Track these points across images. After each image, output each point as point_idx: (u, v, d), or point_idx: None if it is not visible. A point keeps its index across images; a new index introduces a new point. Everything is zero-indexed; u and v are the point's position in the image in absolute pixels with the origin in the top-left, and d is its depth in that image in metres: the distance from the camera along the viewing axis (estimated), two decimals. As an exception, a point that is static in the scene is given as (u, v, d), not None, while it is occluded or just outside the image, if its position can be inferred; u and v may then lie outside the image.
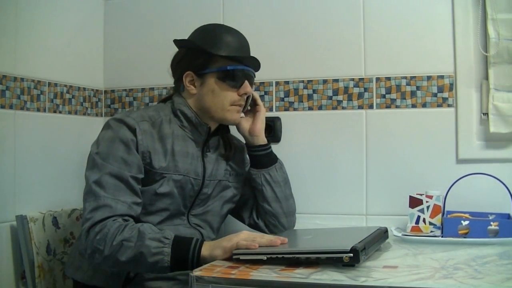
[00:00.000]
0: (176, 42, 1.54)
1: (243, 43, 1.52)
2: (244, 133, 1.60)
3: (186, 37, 1.51)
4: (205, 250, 1.28)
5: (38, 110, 1.72)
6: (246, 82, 1.49)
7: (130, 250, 1.27)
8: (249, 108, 1.61)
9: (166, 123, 1.46)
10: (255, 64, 1.52)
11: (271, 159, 1.61)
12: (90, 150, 1.40)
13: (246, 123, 1.60)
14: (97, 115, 2.04)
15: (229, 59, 1.45)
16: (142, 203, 1.38)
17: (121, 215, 1.31)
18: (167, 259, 1.26)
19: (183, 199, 1.46)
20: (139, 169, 1.38)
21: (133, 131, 1.38)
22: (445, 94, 1.73)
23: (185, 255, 1.27)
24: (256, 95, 1.62)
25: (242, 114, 1.59)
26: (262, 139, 1.60)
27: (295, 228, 1.73)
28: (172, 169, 1.43)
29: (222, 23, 1.93)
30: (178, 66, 1.52)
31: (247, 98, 1.54)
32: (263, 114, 1.62)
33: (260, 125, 1.60)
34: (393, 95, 1.78)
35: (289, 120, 1.88)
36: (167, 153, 1.43)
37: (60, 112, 1.82)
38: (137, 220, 1.36)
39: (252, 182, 1.60)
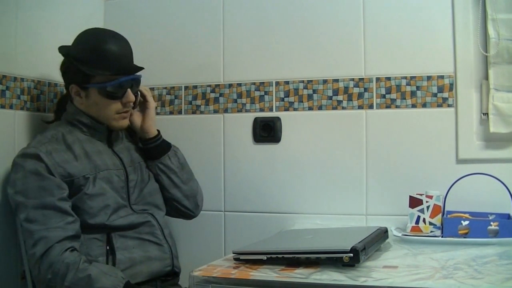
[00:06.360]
0: (60, 50, 1.55)
1: (123, 52, 1.50)
2: (136, 128, 1.64)
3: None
4: None
5: (38, 110, 1.72)
6: (129, 91, 1.52)
7: None
8: (141, 99, 1.63)
9: (67, 134, 1.50)
10: (137, 69, 1.52)
11: (162, 149, 1.65)
12: (8, 194, 1.41)
13: (137, 119, 1.64)
14: (97, 115, 2.04)
15: (108, 75, 1.47)
16: (77, 220, 1.40)
17: (59, 241, 1.34)
18: None
19: (116, 192, 1.50)
20: (59, 188, 1.40)
21: (37, 157, 1.40)
22: (445, 94, 1.73)
23: None
24: (145, 91, 1.64)
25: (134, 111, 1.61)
26: (152, 132, 1.64)
27: (292, 228, 1.72)
28: (92, 169, 1.47)
29: (222, 23, 1.93)
30: (64, 77, 1.56)
31: (136, 95, 1.56)
32: (152, 110, 1.65)
33: (150, 122, 1.64)
34: (393, 95, 1.78)
35: (289, 120, 1.88)
36: (79, 157, 1.46)
37: (60, 112, 1.82)
38: (79, 235, 1.39)
39: (150, 172, 1.65)
